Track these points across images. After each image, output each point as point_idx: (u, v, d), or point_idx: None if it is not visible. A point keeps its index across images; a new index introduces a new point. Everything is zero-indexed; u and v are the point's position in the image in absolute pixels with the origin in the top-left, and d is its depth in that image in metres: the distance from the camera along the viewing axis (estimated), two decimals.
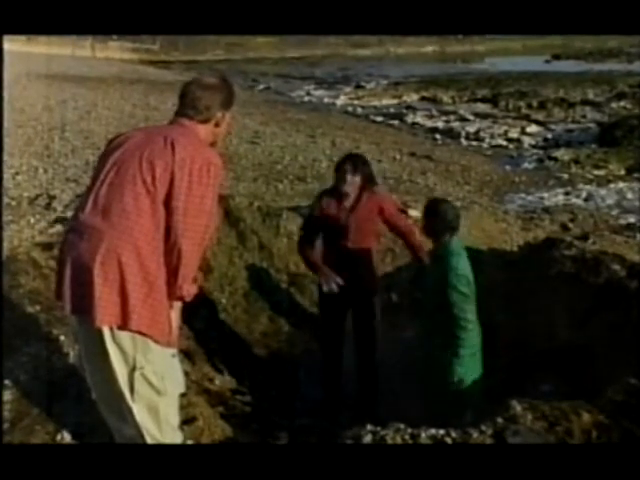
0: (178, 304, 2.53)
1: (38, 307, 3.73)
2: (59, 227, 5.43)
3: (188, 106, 2.55)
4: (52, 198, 6.63)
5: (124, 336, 2.34)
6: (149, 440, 2.47)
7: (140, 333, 2.34)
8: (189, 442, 2.94)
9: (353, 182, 3.91)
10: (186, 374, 3.79)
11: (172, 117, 2.61)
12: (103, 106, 14.56)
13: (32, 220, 5.87)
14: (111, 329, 2.33)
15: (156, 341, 2.40)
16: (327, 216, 4.00)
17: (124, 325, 2.31)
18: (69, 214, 6.07)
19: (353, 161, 3.98)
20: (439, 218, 3.49)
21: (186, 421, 3.15)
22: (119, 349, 2.36)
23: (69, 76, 20.30)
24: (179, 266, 2.37)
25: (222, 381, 4.04)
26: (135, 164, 2.35)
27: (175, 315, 2.53)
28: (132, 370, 2.37)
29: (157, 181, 2.32)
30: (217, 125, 2.62)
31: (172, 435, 2.56)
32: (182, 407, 3.29)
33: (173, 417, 2.58)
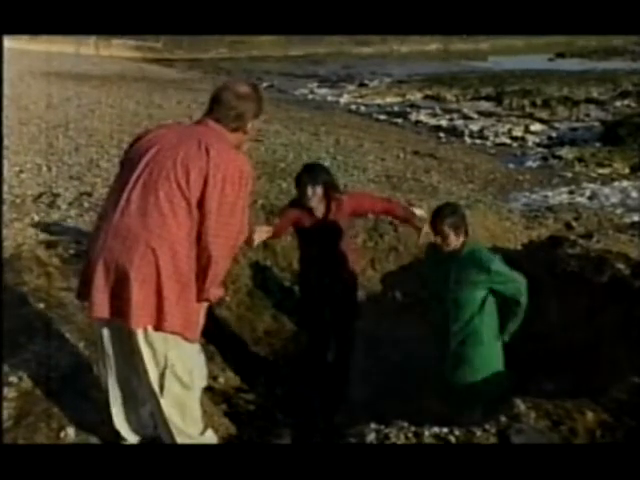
0: (203, 304, 2.57)
1: (42, 305, 3.74)
2: (63, 225, 5.43)
3: (221, 112, 2.57)
4: (56, 196, 6.63)
5: (157, 336, 2.39)
6: (175, 433, 2.53)
7: (173, 333, 2.39)
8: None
9: (315, 194, 3.87)
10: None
11: (201, 117, 2.62)
12: (107, 104, 14.55)
13: (36, 218, 5.88)
14: (145, 329, 2.37)
15: (186, 339, 2.45)
16: (301, 229, 4.04)
17: (159, 326, 2.36)
18: (73, 212, 6.09)
19: (310, 173, 3.93)
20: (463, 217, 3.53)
21: None
22: (151, 348, 2.40)
23: (72, 74, 20.29)
24: (208, 269, 2.42)
25: (226, 379, 4.04)
26: (169, 166, 2.37)
27: (201, 313, 2.57)
28: (164, 368, 2.44)
29: (191, 185, 2.35)
30: (245, 133, 2.67)
31: (195, 427, 2.63)
32: None
33: (197, 410, 2.66)
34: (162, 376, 2.44)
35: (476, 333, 3.46)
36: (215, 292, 2.52)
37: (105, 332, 2.54)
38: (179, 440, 2.56)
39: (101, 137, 10.40)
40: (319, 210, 3.94)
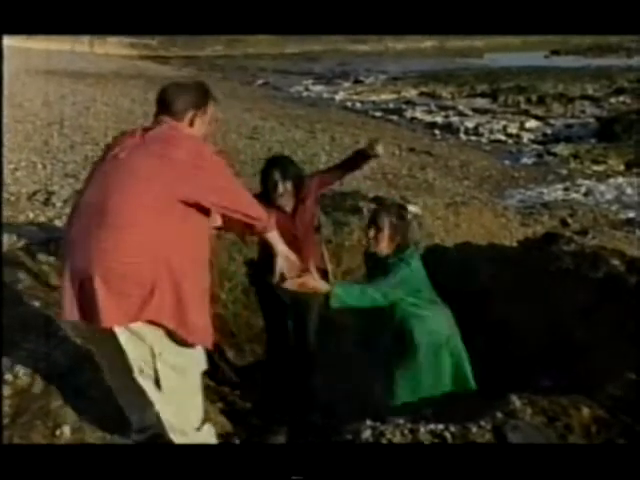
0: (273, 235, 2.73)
1: (37, 303, 3.73)
2: (58, 223, 5.41)
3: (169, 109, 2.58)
4: (51, 194, 6.61)
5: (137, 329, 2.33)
6: (169, 430, 2.52)
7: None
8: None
9: (286, 190, 3.68)
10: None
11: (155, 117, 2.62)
12: (102, 102, 14.53)
13: (31, 215, 5.86)
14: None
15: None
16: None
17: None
18: (68, 210, 6.06)
19: (280, 167, 3.71)
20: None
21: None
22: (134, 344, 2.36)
23: (68, 72, 20.25)
24: (244, 215, 2.55)
25: (222, 377, 4.04)
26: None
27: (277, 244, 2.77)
28: (153, 360, 2.38)
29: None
30: (191, 125, 2.64)
31: (195, 419, 2.61)
32: None
33: (198, 398, 2.64)
34: (155, 371, 2.38)
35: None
36: (262, 216, 2.63)
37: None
38: (173, 438, 2.51)
39: (96, 135, 10.40)
40: (288, 206, 3.74)
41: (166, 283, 2.30)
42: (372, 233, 3.28)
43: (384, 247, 3.28)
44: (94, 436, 2.89)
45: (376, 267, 3.33)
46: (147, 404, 2.48)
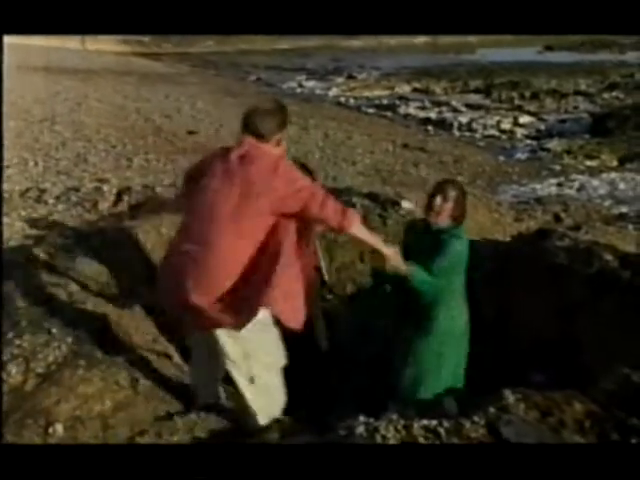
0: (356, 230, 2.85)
1: (29, 300, 3.71)
2: (50, 220, 5.38)
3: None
4: (43, 191, 6.57)
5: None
6: (260, 417, 3.00)
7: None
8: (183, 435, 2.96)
9: None
10: (180, 366, 3.80)
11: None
12: (94, 98, 14.46)
13: (23, 213, 5.82)
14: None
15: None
16: None
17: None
18: (60, 207, 6.03)
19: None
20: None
21: (180, 413, 3.16)
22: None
23: (60, 68, 20.14)
24: (325, 215, 2.72)
25: None
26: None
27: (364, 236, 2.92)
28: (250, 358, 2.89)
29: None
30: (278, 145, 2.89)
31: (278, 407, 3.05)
32: (175, 400, 3.31)
33: (281, 388, 3.08)
34: (249, 367, 2.85)
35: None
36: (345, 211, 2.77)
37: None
38: (262, 420, 2.97)
39: (88, 131, 10.35)
40: None
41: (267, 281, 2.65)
42: (439, 201, 3.27)
43: (444, 219, 3.30)
44: (87, 434, 2.89)
45: (424, 238, 3.34)
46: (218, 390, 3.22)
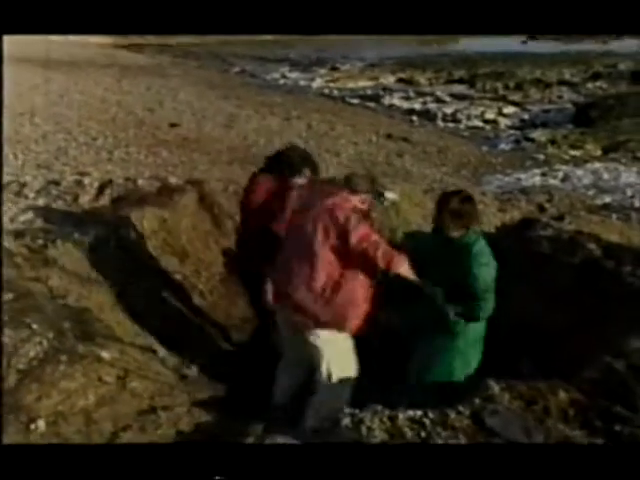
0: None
1: (10, 295, 3.66)
2: (30, 214, 5.30)
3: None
4: (23, 185, 6.48)
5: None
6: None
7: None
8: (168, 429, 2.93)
9: None
10: (163, 361, 3.77)
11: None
12: (75, 90, 14.29)
13: (3, 207, 5.74)
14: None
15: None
16: None
17: None
18: (41, 201, 5.96)
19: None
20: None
21: (163, 408, 3.14)
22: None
23: (40, 60, 19.86)
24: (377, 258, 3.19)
25: (200, 366, 4.00)
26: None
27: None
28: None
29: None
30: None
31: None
32: (159, 394, 3.29)
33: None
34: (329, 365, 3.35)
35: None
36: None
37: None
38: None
39: (69, 124, 10.23)
40: None
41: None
42: (448, 218, 3.32)
43: (457, 230, 3.35)
44: (70, 430, 2.86)
45: (443, 251, 3.41)
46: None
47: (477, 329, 3.47)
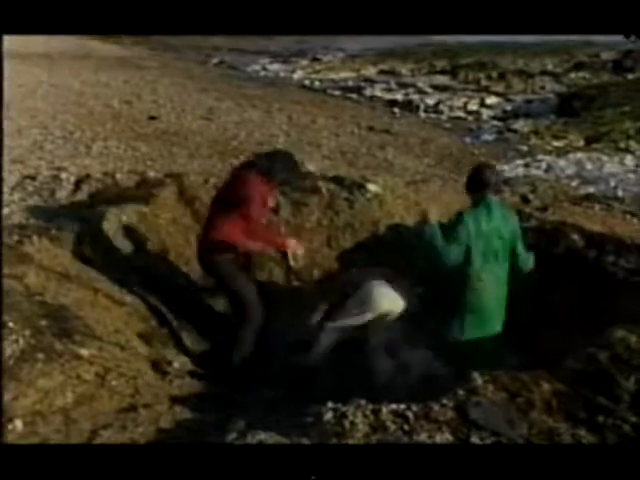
0: None
1: None
2: (6, 210, 5.21)
3: None
4: None
5: None
6: None
7: None
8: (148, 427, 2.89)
9: None
10: (144, 357, 3.73)
11: None
12: (50, 83, 14.08)
13: None
14: None
15: None
16: None
17: None
18: (16, 196, 5.86)
19: None
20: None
21: (144, 406, 3.10)
22: None
23: (12, 52, 19.54)
24: None
25: (181, 363, 3.96)
26: None
27: None
28: None
29: None
30: None
31: None
32: (139, 392, 3.24)
33: None
34: None
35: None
36: None
37: None
38: None
39: (44, 118, 10.08)
40: None
41: None
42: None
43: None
44: (48, 429, 2.81)
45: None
46: None
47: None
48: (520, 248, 3.86)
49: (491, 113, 14.67)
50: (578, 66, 20.18)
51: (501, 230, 3.75)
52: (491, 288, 3.78)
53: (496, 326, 3.85)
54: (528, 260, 3.88)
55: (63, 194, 5.82)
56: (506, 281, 3.83)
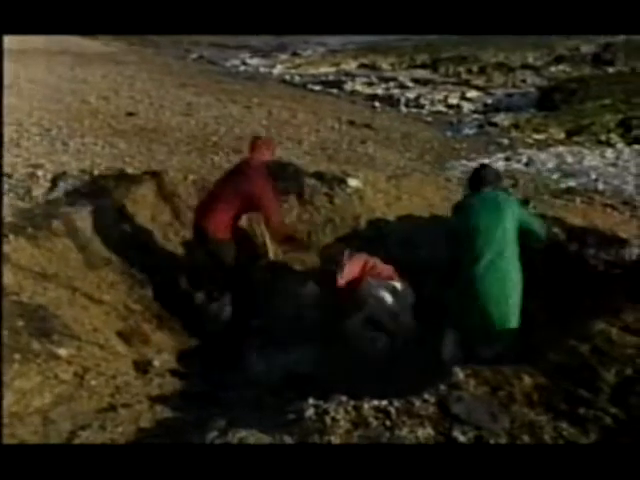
0: None
1: None
2: None
3: None
4: None
5: None
6: None
7: None
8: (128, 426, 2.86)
9: None
10: (123, 356, 3.69)
11: None
12: (26, 79, 13.88)
13: None
14: None
15: None
16: None
17: None
18: None
19: None
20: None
21: (123, 405, 3.06)
22: None
23: None
24: None
25: (161, 362, 3.92)
26: None
27: None
28: None
29: None
30: None
31: None
32: (119, 391, 3.21)
33: None
34: None
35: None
36: None
37: None
38: None
39: (20, 115, 9.92)
40: None
41: None
42: None
43: None
44: (26, 430, 2.78)
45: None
46: None
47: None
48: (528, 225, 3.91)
49: (472, 107, 14.70)
50: (558, 59, 20.29)
51: (502, 220, 3.75)
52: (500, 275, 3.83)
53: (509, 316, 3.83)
54: (541, 231, 3.93)
55: (40, 192, 5.74)
56: (517, 269, 3.83)
